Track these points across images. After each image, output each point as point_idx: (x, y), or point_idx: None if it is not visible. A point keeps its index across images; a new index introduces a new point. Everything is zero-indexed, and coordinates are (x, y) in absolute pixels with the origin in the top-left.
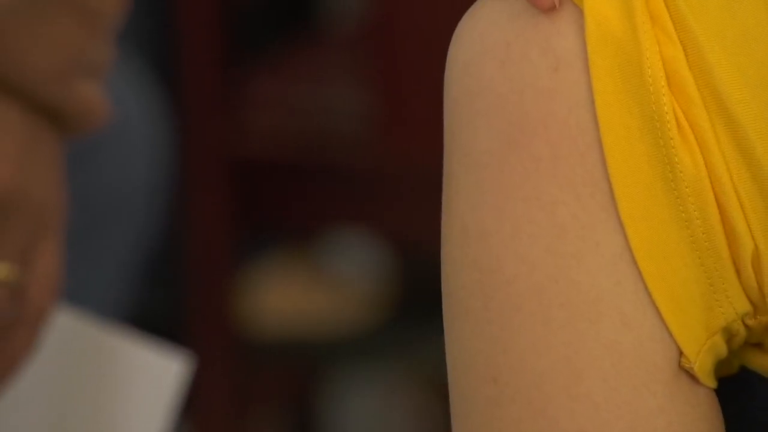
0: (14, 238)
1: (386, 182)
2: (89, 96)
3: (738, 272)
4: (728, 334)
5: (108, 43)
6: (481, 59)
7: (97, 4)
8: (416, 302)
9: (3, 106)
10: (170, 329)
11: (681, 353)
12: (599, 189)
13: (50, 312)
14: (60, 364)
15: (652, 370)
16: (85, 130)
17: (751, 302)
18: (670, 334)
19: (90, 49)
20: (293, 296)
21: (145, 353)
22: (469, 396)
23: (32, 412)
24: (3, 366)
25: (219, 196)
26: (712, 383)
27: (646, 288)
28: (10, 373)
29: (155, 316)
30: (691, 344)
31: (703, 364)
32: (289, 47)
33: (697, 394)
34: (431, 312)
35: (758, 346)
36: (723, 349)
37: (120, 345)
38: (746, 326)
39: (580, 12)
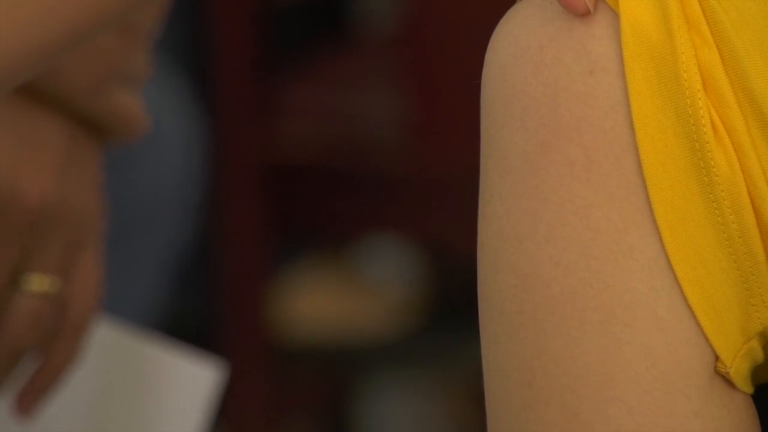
0: (55, 250)
1: (420, 188)
2: (127, 106)
3: None
4: (765, 339)
5: (145, 53)
6: (516, 63)
7: (135, 14)
8: (450, 308)
9: (42, 118)
10: (204, 335)
11: (717, 358)
12: (634, 192)
13: (90, 323)
14: (97, 373)
15: (687, 375)
16: (124, 139)
17: None
18: (706, 339)
19: (127, 59)
20: (327, 302)
21: (180, 362)
22: (504, 399)
23: (71, 422)
24: (45, 377)
25: (253, 202)
26: (749, 388)
27: (681, 292)
28: (52, 384)
29: (189, 322)
30: (727, 349)
31: (739, 368)
32: (323, 53)
33: (733, 399)
34: (465, 318)
35: None
36: (759, 354)
37: (155, 354)
38: None
39: (615, 16)
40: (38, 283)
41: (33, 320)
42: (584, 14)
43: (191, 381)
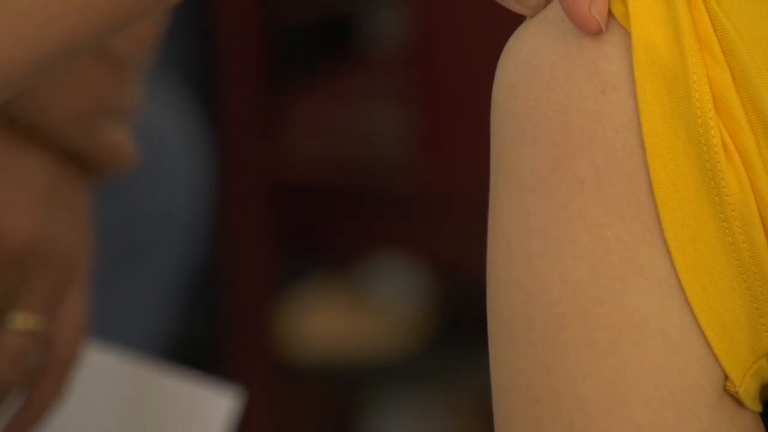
0: (38, 288)
1: (428, 206)
2: (115, 140)
3: None
4: None
5: (134, 86)
6: (527, 81)
7: (123, 49)
8: (458, 327)
9: (25, 155)
10: (212, 353)
11: (726, 377)
12: (644, 211)
13: (77, 360)
14: (105, 406)
15: (696, 394)
16: (112, 173)
17: None
18: (716, 358)
19: (116, 93)
20: (334, 320)
21: (196, 391)
22: (513, 417)
23: None
24: (29, 415)
25: (260, 220)
26: (758, 407)
27: (691, 311)
28: (37, 423)
29: (197, 340)
30: (737, 368)
31: (748, 388)
32: (330, 71)
33: (742, 418)
34: (472, 336)
35: None
36: None
37: (170, 384)
38: None
39: (626, 35)
40: (22, 321)
41: (17, 358)
42: (597, 33)
43: (208, 410)
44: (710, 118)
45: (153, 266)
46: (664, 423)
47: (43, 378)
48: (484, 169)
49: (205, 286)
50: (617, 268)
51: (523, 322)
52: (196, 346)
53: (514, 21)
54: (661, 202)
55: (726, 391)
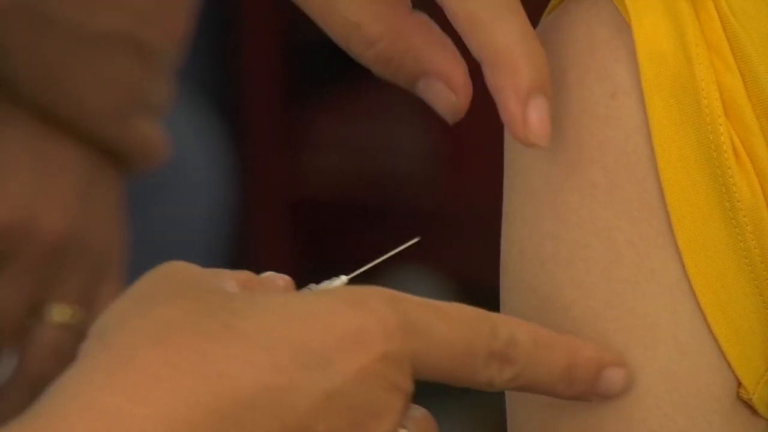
0: (75, 281)
1: (448, 222)
2: (148, 134)
3: None
4: None
5: (166, 80)
6: None
7: (156, 42)
8: None
9: (62, 148)
10: None
11: (739, 384)
12: (656, 216)
13: None
14: None
15: (708, 400)
16: (145, 168)
17: None
18: (728, 364)
19: (148, 87)
20: None
21: None
22: (525, 423)
23: None
24: None
25: (281, 236)
26: None
27: (703, 317)
28: None
29: None
30: (750, 375)
31: (762, 395)
32: (350, 88)
33: (755, 426)
34: None
35: None
36: None
37: None
38: None
39: None
40: (60, 313)
41: (55, 351)
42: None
43: None
44: (720, 124)
45: None
46: (675, 427)
47: None
48: (502, 184)
49: None
50: (629, 272)
51: None
52: None
53: None
54: (673, 208)
55: (739, 398)
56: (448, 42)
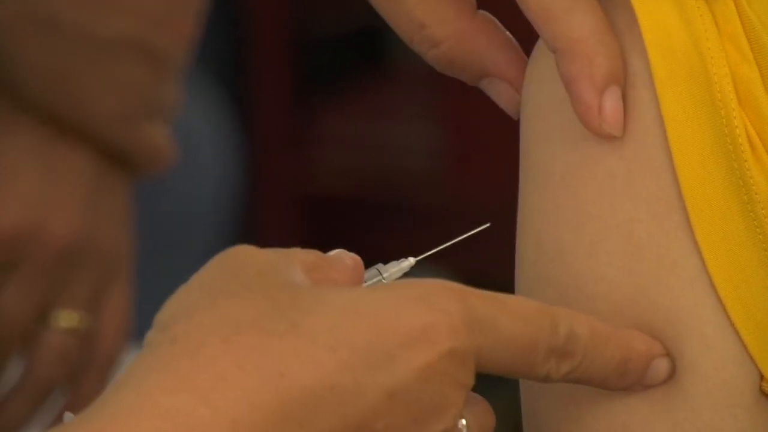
0: (83, 286)
1: (456, 219)
2: (156, 138)
3: None
4: None
5: (174, 85)
6: (556, 77)
7: (163, 47)
8: None
9: (70, 152)
10: None
11: (762, 377)
12: (674, 208)
13: (120, 357)
14: None
15: (733, 394)
16: (152, 171)
17: None
18: (751, 358)
19: (156, 91)
20: None
21: None
22: (546, 414)
23: None
24: (75, 410)
25: (290, 232)
26: None
27: (725, 310)
28: None
29: None
30: None
31: None
32: (358, 85)
33: None
34: None
35: None
36: None
37: None
38: None
39: None
40: (67, 318)
41: (62, 356)
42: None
43: None
44: (734, 117)
45: (180, 269)
46: (700, 421)
47: (86, 375)
48: (512, 181)
49: None
50: (650, 265)
51: None
52: None
53: None
54: (690, 203)
55: (762, 391)
56: (512, 42)
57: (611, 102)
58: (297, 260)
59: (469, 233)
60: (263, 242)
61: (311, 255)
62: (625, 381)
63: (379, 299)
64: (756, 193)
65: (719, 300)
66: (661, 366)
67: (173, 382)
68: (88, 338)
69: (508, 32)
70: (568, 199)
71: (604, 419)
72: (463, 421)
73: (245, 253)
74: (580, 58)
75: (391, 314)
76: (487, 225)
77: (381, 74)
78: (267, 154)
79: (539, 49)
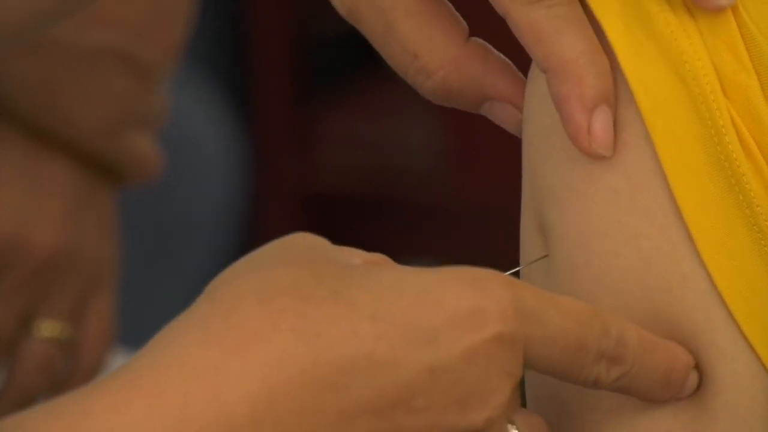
0: (65, 296)
1: (458, 217)
2: (141, 148)
3: None
4: None
5: (160, 95)
6: None
7: (149, 58)
8: None
9: (52, 164)
10: None
11: None
12: (680, 220)
13: (103, 366)
14: None
15: (751, 406)
16: (138, 181)
17: None
18: (767, 370)
19: (141, 102)
20: None
21: None
22: (567, 428)
23: None
24: None
25: (293, 230)
26: None
27: (737, 323)
28: None
29: None
30: None
31: None
32: (362, 84)
33: None
34: None
35: None
36: None
37: None
38: None
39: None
40: (49, 329)
41: (44, 366)
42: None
43: None
44: (725, 135)
45: (183, 269)
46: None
47: (69, 386)
48: (514, 180)
49: None
50: (662, 280)
51: None
52: None
53: None
54: (693, 224)
55: None
56: (508, 63)
57: (601, 122)
58: (357, 254)
59: (530, 262)
60: (266, 242)
61: (375, 256)
62: (668, 391)
63: (427, 279)
64: (758, 206)
65: (731, 314)
66: (694, 378)
67: (205, 338)
68: (71, 348)
69: (502, 55)
70: (575, 216)
71: (627, 429)
72: (512, 427)
73: (304, 236)
74: (570, 78)
75: (438, 293)
76: (545, 256)
77: (382, 74)
78: (269, 154)
79: (537, 66)
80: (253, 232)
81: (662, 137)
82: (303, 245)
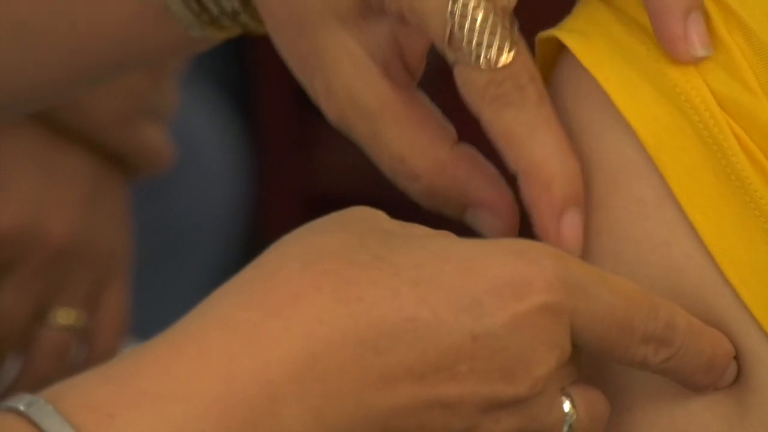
0: (79, 285)
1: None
2: (153, 140)
3: None
4: None
5: (172, 87)
6: (578, 104)
7: None
8: None
9: (68, 154)
10: None
11: None
12: None
13: (117, 354)
14: None
15: None
16: (150, 173)
17: None
18: None
19: (153, 94)
20: None
21: None
22: None
23: None
24: None
25: None
26: None
27: (765, 334)
28: None
29: None
30: None
31: None
32: None
33: None
34: None
35: None
36: None
37: None
38: None
39: None
40: (64, 316)
41: (59, 353)
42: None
43: None
44: (732, 155)
45: (189, 266)
46: (752, 428)
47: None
48: (512, 180)
49: None
50: (695, 287)
51: None
52: None
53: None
54: (713, 246)
55: None
56: (493, 171)
57: (569, 227)
58: (423, 228)
59: None
60: (269, 242)
61: (443, 232)
62: (710, 377)
63: (473, 248)
64: None
65: (759, 323)
66: (733, 367)
67: (248, 300)
68: (86, 336)
69: (490, 163)
70: (602, 225)
71: (660, 425)
72: (568, 404)
73: (362, 208)
74: (539, 183)
75: (483, 262)
76: None
77: None
78: (272, 155)
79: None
80: (256, 231)
81: (671, 170)
82: (358, 216)
